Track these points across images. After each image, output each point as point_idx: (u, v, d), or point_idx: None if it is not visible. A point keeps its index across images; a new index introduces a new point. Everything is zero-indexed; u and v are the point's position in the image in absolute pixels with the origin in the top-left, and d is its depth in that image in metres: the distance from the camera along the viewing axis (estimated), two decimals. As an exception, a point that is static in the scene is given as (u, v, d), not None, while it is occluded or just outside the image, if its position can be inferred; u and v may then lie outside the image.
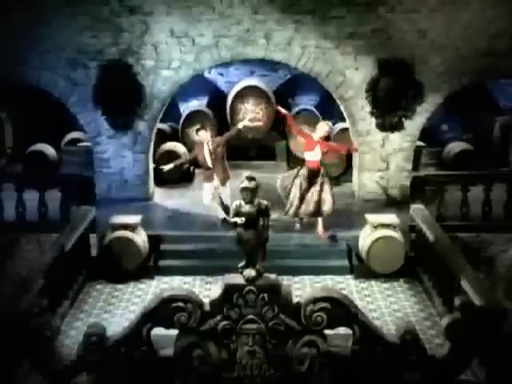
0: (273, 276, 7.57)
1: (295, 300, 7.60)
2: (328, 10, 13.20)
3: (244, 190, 7.37)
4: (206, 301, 7.55)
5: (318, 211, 12.25)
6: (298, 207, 12.24)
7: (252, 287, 7.36)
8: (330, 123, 12.94)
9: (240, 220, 7.35)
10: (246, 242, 7.36)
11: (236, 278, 7.45)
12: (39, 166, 15.78)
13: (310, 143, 12.21)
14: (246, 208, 7.38)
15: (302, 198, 12.20)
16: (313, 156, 12.20)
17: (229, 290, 7.39)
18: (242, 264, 7.47)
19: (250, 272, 7.38)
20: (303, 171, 12.27)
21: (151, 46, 13.45)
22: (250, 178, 7.39)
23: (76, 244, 11.30)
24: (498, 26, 13.18)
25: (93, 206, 12.81)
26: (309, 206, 12.20)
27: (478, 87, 16.17)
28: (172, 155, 15.68)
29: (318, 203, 12.17)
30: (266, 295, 7.38)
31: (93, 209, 12.65)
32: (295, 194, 12.22)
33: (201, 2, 13.21)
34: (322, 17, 13.23)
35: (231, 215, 7.50)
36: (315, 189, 12.17)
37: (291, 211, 12.29)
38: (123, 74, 13.43)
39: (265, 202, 7.46)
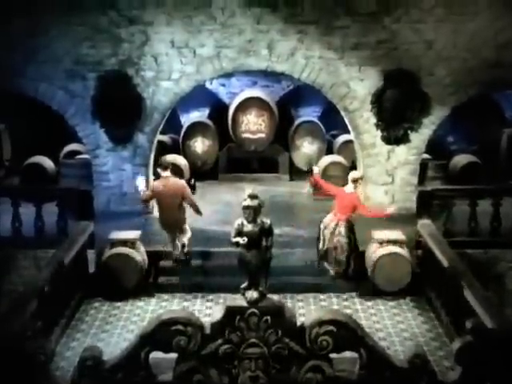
0: (276, 297, 7.33)
1: (299, 322, 7.34)
2: (332, 20, 12.94)
3: (246, 208, 7.09)
4: (207, 320, 7.31)
5: None
6: None
7: (254, 309, 7.11)
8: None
9: (242, 240, 7.08)
10: (248, 262, 7.09)
11: (238, 300, 7.22)
12: (37, 179, 15.54)
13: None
14: (249, 227, 7.12)
15: None
16: None
17: (230, 312, 7.14)
18: (244, 285, 7.23)
19: (253, 294, 7.13)
20: None
21: (151, 57, 13.20)
22: (253, 196, 7.12)
23: (73, 260, 11.10)
24: (506, 37, 12.91)
25: (91, 221, 12.62)
26: None
27: (484, 99, 15.96)
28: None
29: None
30: (269, 318, 7.14)
31: (91, 224, 12.46)
32: None
33: (202, 12, 12.96)
34: (326, 27, 12.98)
35: (233, 235, 7.21)
36: None
37: None
38: (122, 85, 13.16)
39: (268, 221, 7.20)
